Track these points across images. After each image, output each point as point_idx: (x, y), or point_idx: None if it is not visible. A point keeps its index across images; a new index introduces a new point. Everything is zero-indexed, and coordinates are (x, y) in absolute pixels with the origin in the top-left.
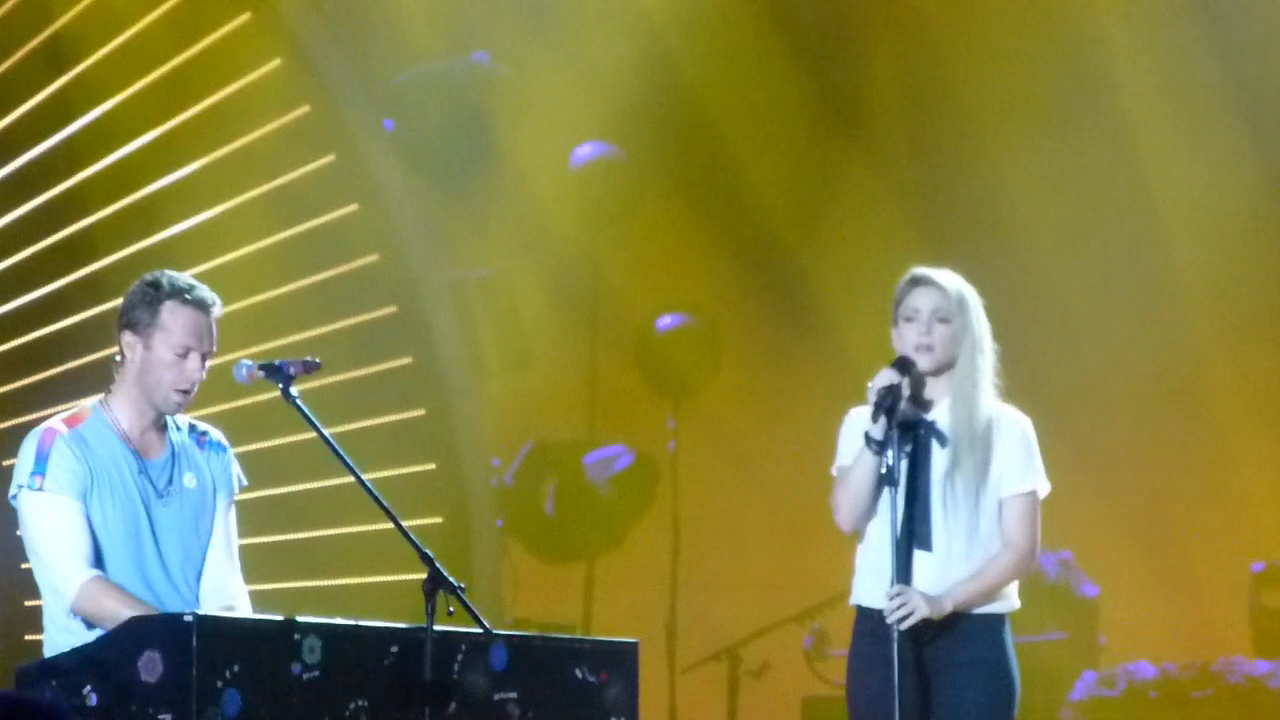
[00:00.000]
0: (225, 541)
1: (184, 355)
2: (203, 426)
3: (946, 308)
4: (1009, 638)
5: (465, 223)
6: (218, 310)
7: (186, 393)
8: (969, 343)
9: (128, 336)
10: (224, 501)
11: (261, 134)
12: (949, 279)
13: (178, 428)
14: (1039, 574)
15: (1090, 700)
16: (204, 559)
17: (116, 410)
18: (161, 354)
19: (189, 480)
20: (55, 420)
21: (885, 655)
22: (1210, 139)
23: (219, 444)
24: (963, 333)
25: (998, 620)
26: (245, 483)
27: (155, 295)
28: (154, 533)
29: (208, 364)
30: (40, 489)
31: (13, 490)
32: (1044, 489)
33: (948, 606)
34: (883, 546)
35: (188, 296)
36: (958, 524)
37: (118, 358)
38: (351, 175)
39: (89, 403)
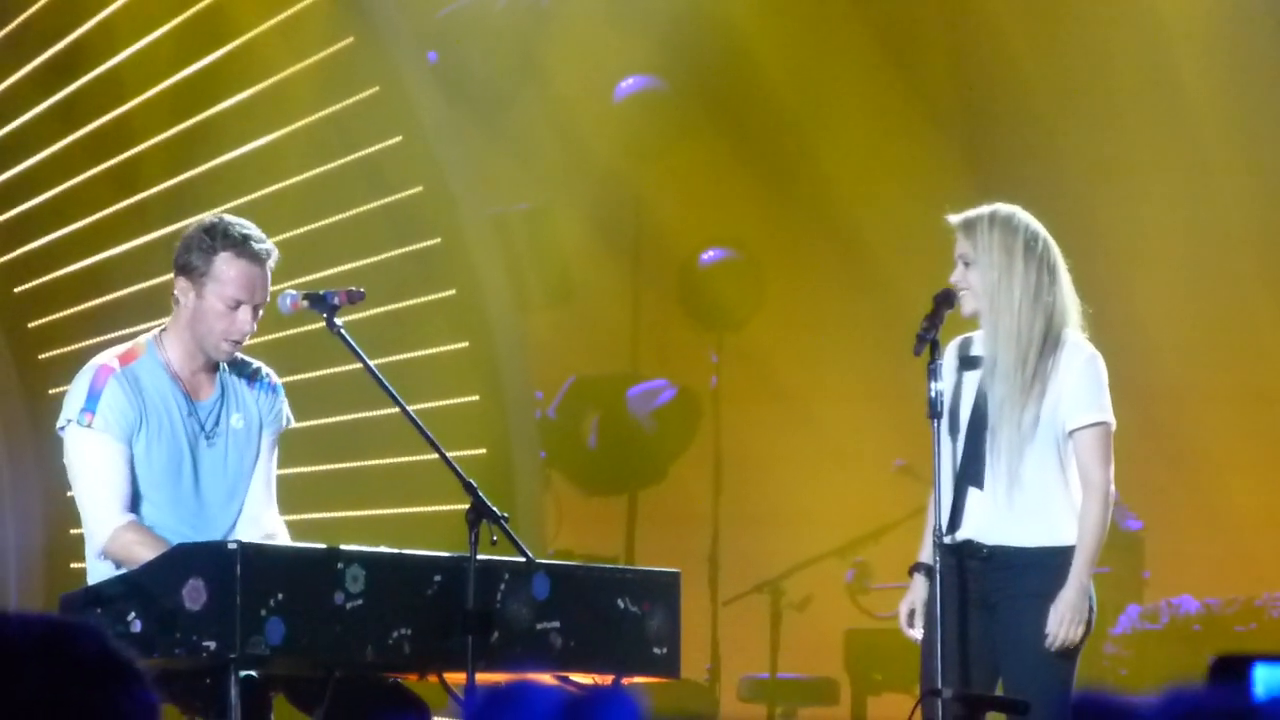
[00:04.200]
0: (265, 477)
1: (235, 307)
2: (254, 364)
3: (968, 252)
4: None
5: (508, 155)
6: (274, 261)
7: (237, 343)
8: (988, 275)
9: (181, 282)
10: (269, 439)
11: (306, 66)
12: (969, 216)
13: (226, 365)
14: None
15: (1133, 634)
16: (245, 497)
17: (169, 349)
18: (213, 304)
19: (236, 421)
20: (110, 355)
21: (950, 587)
22: (1258, 72)
23: (270, 383)
24: (988, 270)
25: (1060, 553)
26: (292, 422)
27: (211, 244)
28: (196, 474)
29: (260, 314)
30: (89, 426)
31: (61, 422)
32: (1113, 421)
33: (1079, 595)
34: (943, 482)
35: (243, 249)
36: (999, 462)
37: (174, 295)
38: (395, 107)
39: (145, 338)
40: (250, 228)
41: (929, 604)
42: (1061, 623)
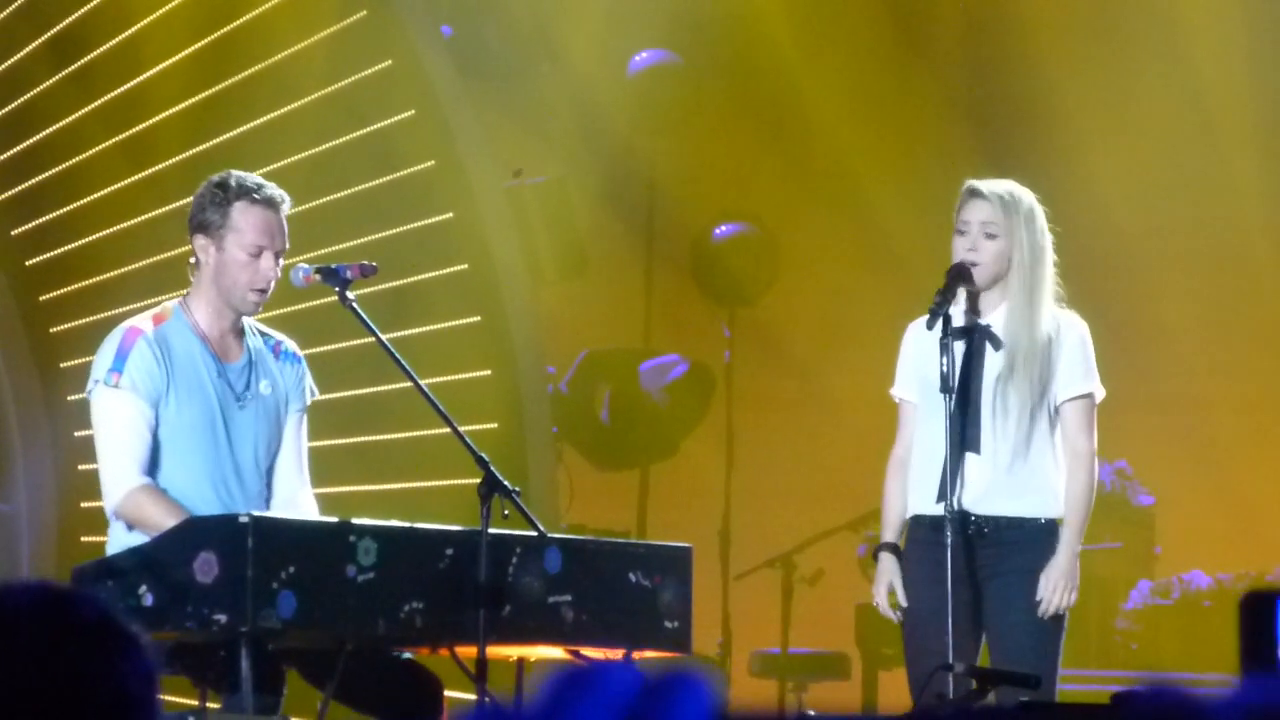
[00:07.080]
0: (296, 454)
1: (257, 255)
2: (277, 335)
3: (995, 223)
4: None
5: (522, 129)
6: (287, 206)
7: (263, 291)
8: (1021, 255)
9: (200, 240)
10: (295, 413)
11: (319, 39)
12: (1002, 191)
13: (254, 333)
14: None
15: (1144, 609)
16: (274, 465)
17: (196, 312)
18: (235, 255)
19: (265, 387)
20: (140, 318)
21: (935, 562)
22: (1269, 51)
23: (293, 355)
24: (1012, 247)
25: (1048, 526)
26: (316, 394)
27: (224, 196)
28: (229, 436)
29: (281, 261)
30: (115, 386)
31: (89, 384)
32: (1100, 393)
33: (1072, 561)
34: (929, 453)
35: (256, 196)
36: (1007, 430)
37: (192, 260)
38: (408, 81)
39: (171, 302)
40: (259, 178)
41: (908, 580)
42: (1055, 590)
